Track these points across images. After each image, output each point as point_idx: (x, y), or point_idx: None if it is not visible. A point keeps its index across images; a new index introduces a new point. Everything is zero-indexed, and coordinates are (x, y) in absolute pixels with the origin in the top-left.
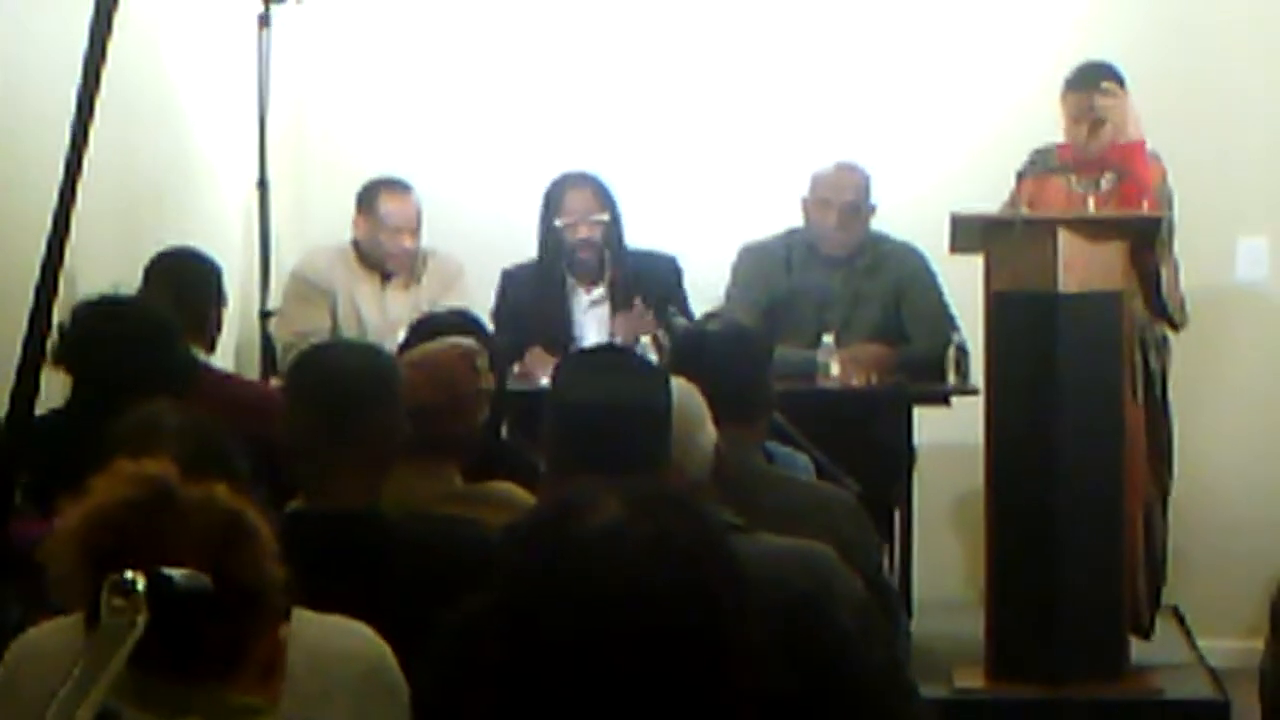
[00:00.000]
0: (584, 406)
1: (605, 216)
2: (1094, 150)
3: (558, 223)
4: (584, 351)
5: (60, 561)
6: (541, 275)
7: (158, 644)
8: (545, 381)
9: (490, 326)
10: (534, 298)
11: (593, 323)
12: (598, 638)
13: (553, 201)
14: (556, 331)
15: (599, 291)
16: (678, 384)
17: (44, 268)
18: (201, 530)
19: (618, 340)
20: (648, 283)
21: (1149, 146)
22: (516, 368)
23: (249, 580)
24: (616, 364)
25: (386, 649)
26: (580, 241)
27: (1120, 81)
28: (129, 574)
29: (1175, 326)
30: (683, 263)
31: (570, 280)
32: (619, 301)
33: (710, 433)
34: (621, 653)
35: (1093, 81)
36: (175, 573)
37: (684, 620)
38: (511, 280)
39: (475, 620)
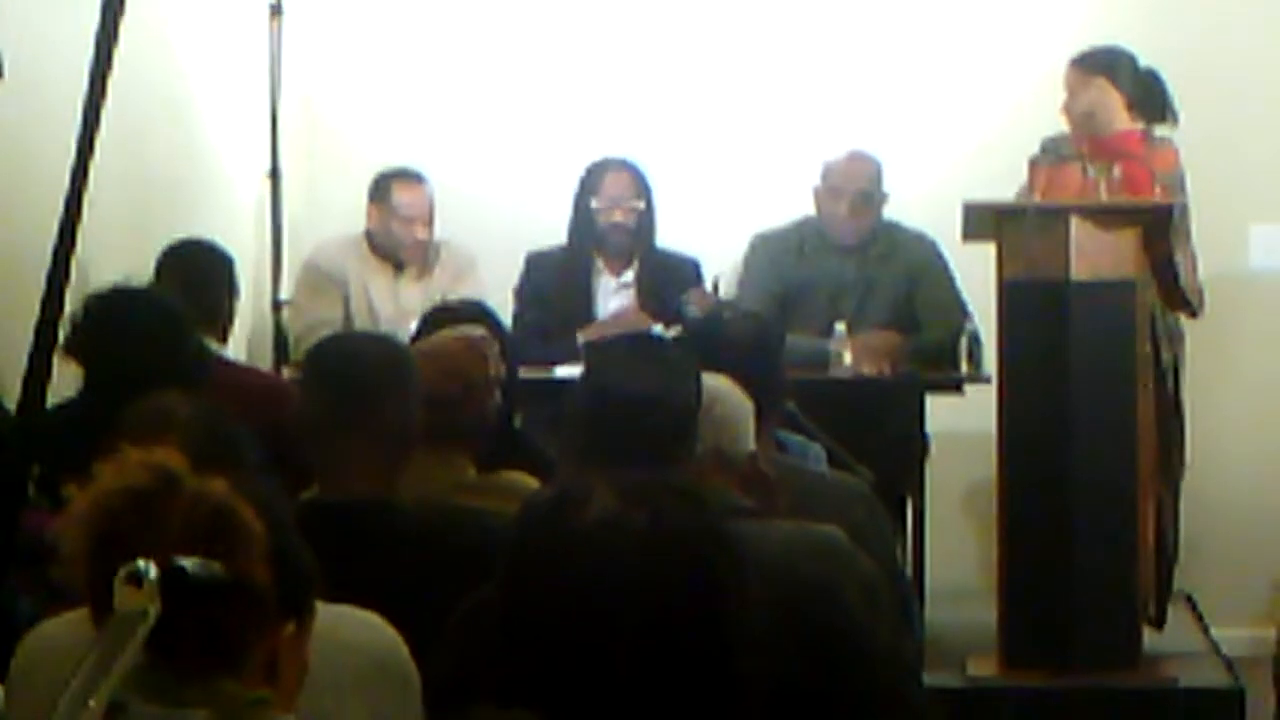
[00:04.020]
0: (609, 395)
1: (641, 204)
2: (1094, 130)
3: (593, 204)
4: (617, 339)
5: (67, 544)
6: (569, 255)
7: (159, 634)
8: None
9: (505, 315)
10: (559, 278)
11: (615, 308)
12: (595, 628)
13: (590, 183)
14: (579, 313)
15: (626, 277)
16: (723, 382)
17: (55, 259)
18: (186, 523)
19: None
20: (670, 280)
21: (1162, 133)
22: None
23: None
24: (649, 354)
25: (398, 638)
26: (614, 226)
27: (1119, 71)
28: (141, 563)
29: (1192, 314)
30: (695, 252)
31: (598, 263)
32: (644, 290)
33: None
34: (621, 642)
35: (1088, 64)
36: (188, 561)
37: (682, 608)
38: (536, 263)
39: (483, 609)
